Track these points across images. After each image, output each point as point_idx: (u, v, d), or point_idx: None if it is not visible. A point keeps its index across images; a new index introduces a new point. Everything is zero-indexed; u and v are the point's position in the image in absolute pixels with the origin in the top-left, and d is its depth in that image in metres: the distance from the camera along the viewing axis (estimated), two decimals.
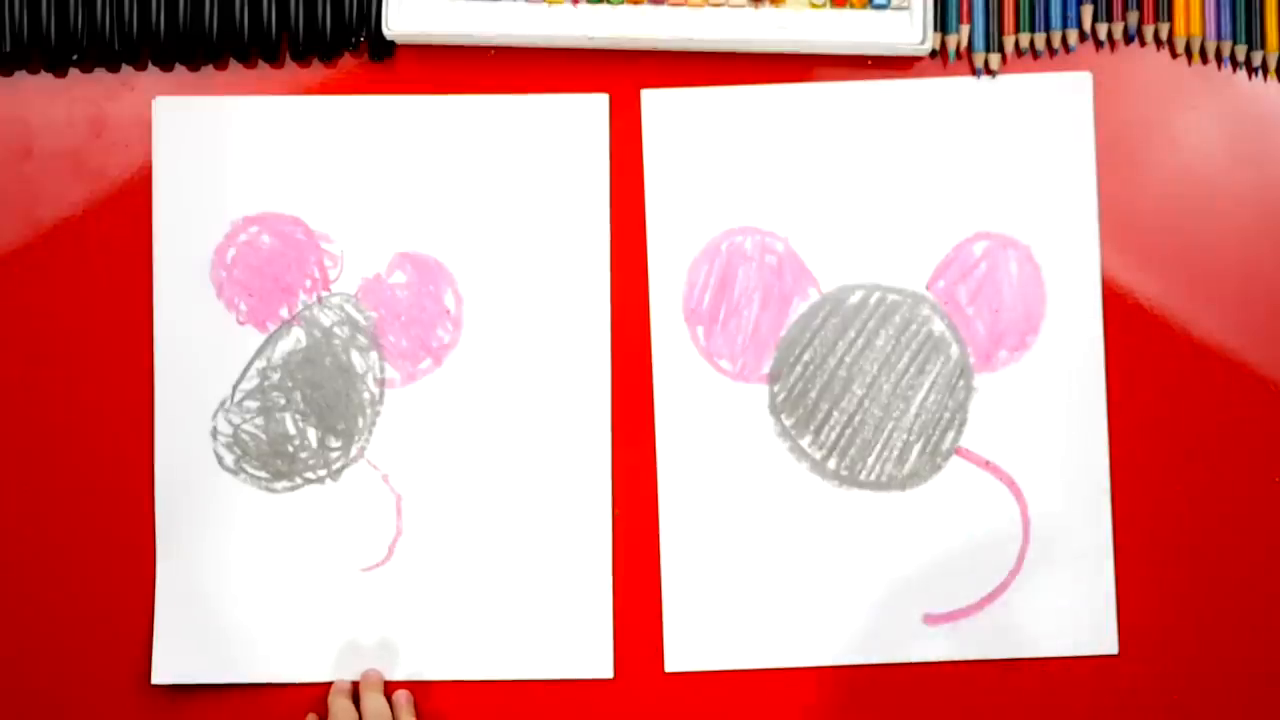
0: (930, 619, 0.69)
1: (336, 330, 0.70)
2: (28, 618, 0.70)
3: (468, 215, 0.70)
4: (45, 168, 0.71)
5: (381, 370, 0.70)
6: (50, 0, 0.70)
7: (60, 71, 0.71)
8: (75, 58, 0.71)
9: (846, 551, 0.69)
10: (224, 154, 0.70)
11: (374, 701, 0.67)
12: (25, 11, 0.70)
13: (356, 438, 0.70)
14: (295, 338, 0.70)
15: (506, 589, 0.69)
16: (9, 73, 0.71)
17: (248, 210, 0.70)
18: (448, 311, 0.70)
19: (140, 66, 0.71)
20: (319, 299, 0.70)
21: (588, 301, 0.70)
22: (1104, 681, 0.68)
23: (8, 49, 0.70)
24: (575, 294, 0.70)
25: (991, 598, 0.69)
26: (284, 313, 0.70)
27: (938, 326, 0.69)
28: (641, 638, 0.69)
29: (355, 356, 0.70)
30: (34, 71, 0.71)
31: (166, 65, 0.71)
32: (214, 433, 0.70)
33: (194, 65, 0.71)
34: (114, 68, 0.71)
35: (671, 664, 0.69)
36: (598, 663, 0.69)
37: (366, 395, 0.70)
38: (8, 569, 0.70)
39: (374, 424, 0.70)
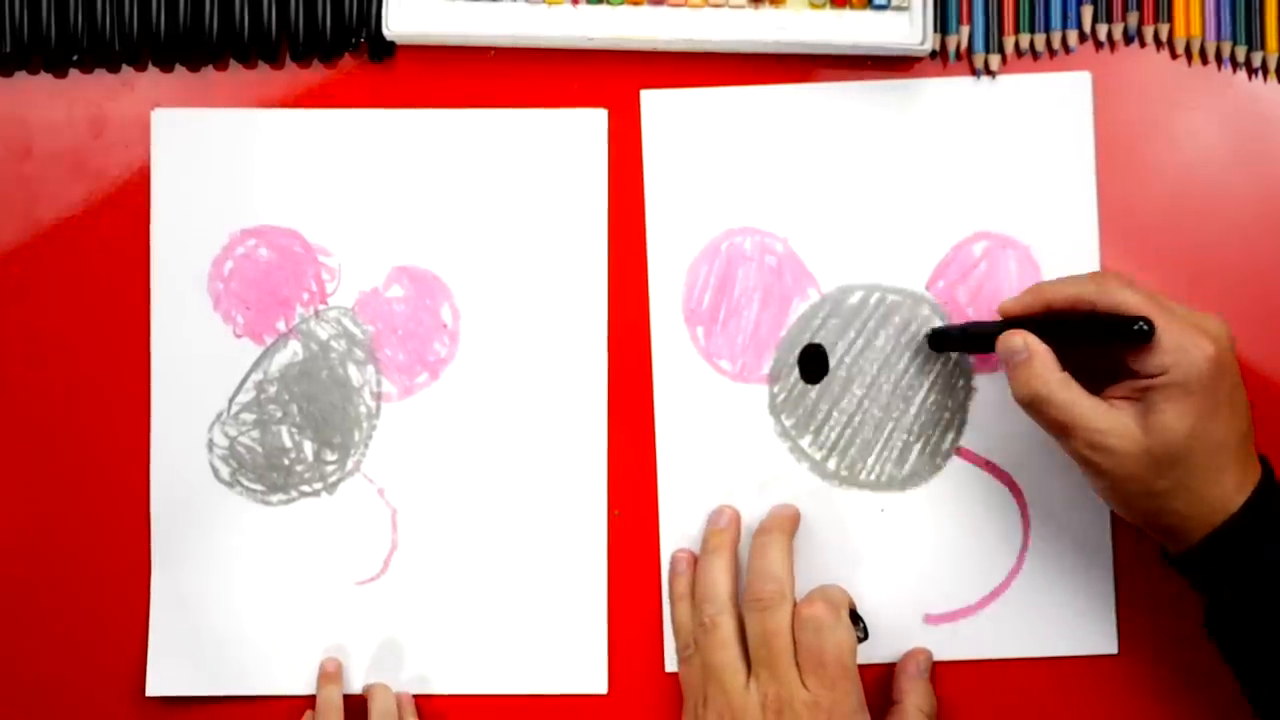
0: (930, 619, 0.69)
1: (333, 344, 0.70)
2: (22, 630, 0.69)
3: (466, 230, 0.70)
4: (45, 168, 0.71)
5: (378, 384, 0.70)
6: (50, 0, 0.70)
7: (60, 72, 0.71)
8: (75, 58, 0.70)
9: (846, 551, 0.69)
10: (222, 166, 0.70)
11: (381, 699, 0.67)
12: (25, 12, 0.70)
13: (352, 451, 0.70)
14: (292, 351, 0.70)
15: (502, 603, 0.69)
16: (9, 73, 0.71)
17: (245, 223, 0.70)
18: (445, 326, 0.70)
19: (140, 67, 0.71)
20: (316, 312, 0.70)
21: (585, 317, 0.70)
22: (1104, 681, 0.68)
23: (8, 49, 0.70)
24: (573, 309, 0.70)
25: (991, 598, 0.69)
26: (281, 326, 0.70)
27: (938, 327, 0.69)
28: (637, 650, 0.69)
29: (352, 370, 0.70)
30: (34, 72, 0.71)
31: (166, 66, 0.71)
32: (210, 445, 0.70)
33: (194, 66, 0.71)
34: (114, 68, 0.71)
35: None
36: (592, 677, 0.68)
37: (363, 409, 0.70)
38: (2, 581, 0.70)
39: (370, 438, 0.70)
